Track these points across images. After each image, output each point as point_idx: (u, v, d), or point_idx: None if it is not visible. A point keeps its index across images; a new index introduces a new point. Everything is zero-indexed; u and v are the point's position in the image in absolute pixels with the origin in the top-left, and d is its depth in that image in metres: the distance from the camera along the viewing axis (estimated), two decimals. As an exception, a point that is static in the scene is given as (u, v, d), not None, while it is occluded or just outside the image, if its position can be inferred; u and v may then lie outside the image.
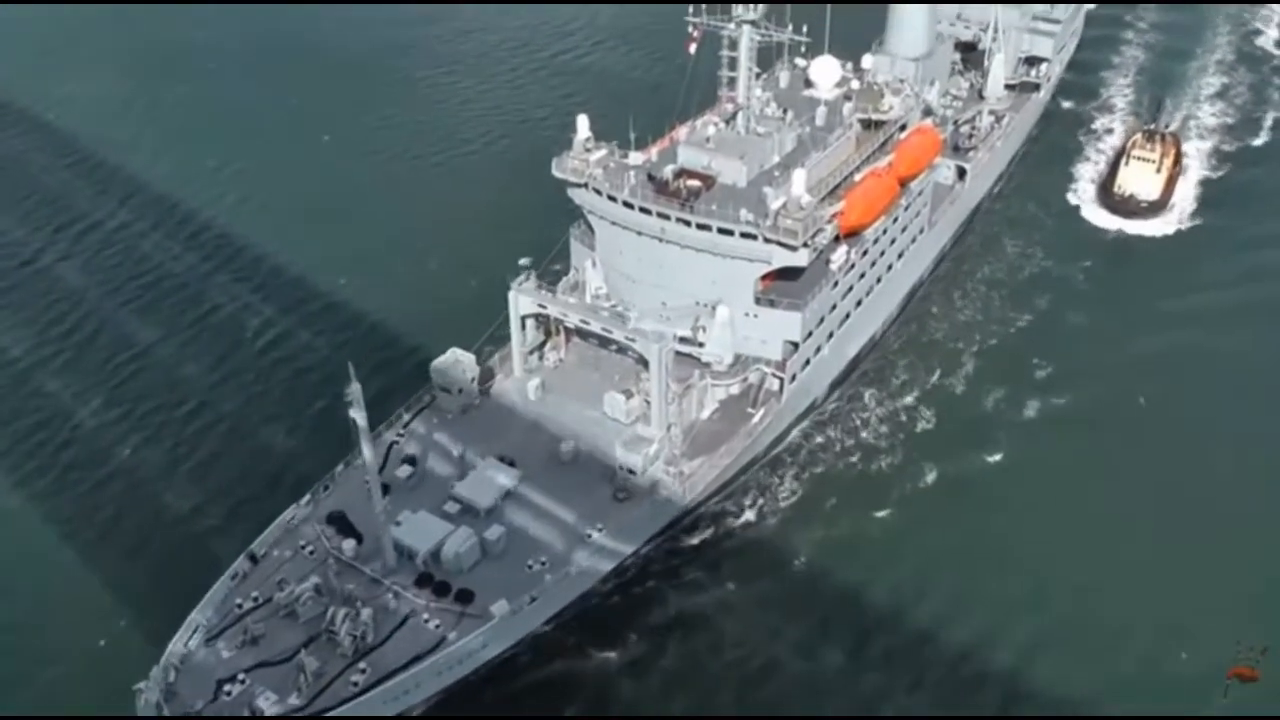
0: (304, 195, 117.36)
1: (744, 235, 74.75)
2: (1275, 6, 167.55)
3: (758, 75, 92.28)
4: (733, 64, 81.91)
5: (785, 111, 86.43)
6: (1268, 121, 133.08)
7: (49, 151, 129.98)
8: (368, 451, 60.44)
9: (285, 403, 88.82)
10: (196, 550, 74.53)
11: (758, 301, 77.89)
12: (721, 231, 75.25)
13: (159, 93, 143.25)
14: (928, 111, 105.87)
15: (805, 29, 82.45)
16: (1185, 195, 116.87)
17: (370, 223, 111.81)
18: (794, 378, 79.69)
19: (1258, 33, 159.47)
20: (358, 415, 58.27)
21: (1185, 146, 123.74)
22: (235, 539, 70.19)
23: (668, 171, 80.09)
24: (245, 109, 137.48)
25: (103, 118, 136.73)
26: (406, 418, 76.67)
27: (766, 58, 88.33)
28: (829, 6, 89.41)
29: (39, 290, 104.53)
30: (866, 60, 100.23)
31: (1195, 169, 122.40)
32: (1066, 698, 64.57)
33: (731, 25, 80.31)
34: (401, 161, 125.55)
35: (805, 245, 74.05)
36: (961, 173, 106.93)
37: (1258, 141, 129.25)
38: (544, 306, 76.10)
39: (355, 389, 57.12)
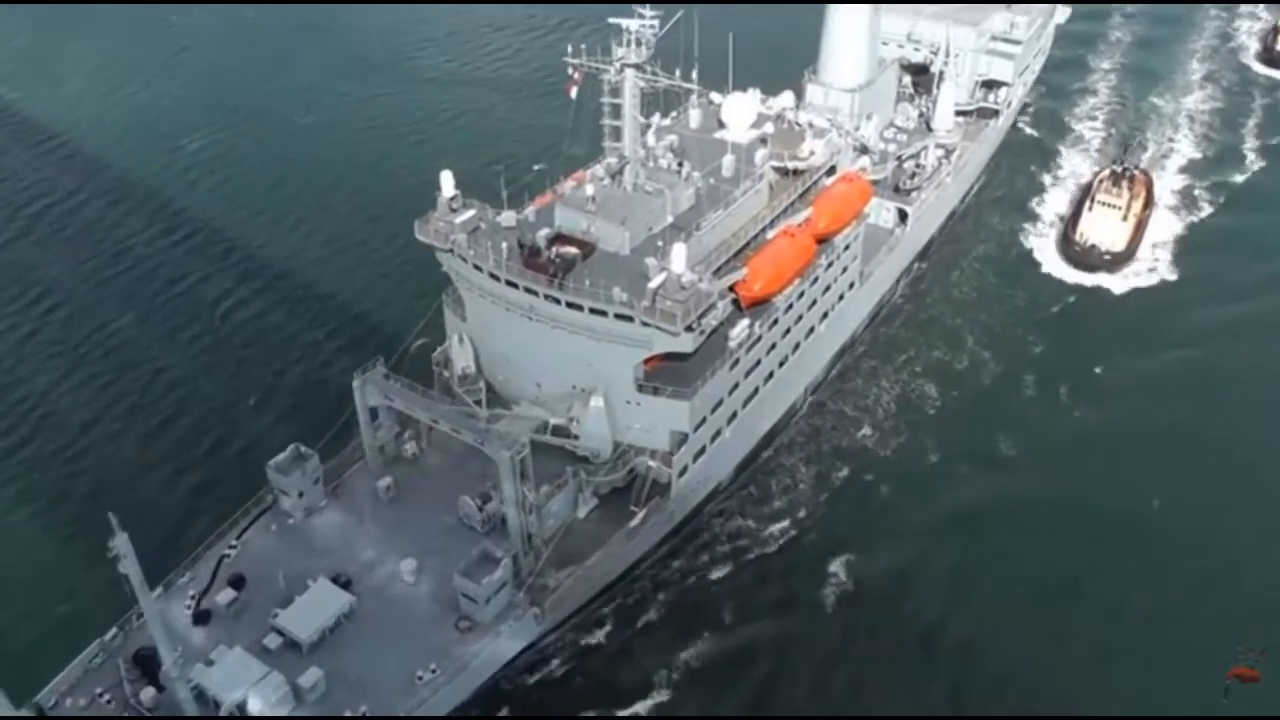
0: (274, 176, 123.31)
1: (619, 317, 67.09)
2: (1258, 15, 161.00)
3: (666, 114, 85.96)
4: (616, 111, 73.92)
5: (681, 164, 78.69)
6: (1250, 154, 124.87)
7: (26, 133, 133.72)
8: (148, 608, 52.60)
9: (248, 378, 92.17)
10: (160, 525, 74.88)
11: (640, 388, 70.19)
12: (594, 312, 67.60)
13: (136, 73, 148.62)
14: (864, 149, 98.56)
15: (694, 75, 74.41)
16: (1155, 243, 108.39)
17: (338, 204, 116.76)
18: (685, 470, 72.19)
19: (1240, 48, 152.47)
20: (129, 568, 50.22)
21: (1158, 185, 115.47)
22: (197, 516, 74.87)
23: (541, 237, 72.26)
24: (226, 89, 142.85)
25: (81, 99, 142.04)
26: (243, 524, 69.06)
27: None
28: (732, 41, 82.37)
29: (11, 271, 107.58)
30: (785, 97, 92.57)
31: (1168, 212, 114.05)
32: (1066, 697, 65.66)
33: (613, 69, 72.42)
34: (380, 141, 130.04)
35: (689, 329, 66.41)
36: (903, 215, 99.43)
37: (1239, 178, 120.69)
38: (390, 399, 68.36)
39: (121, 540, 49.08)
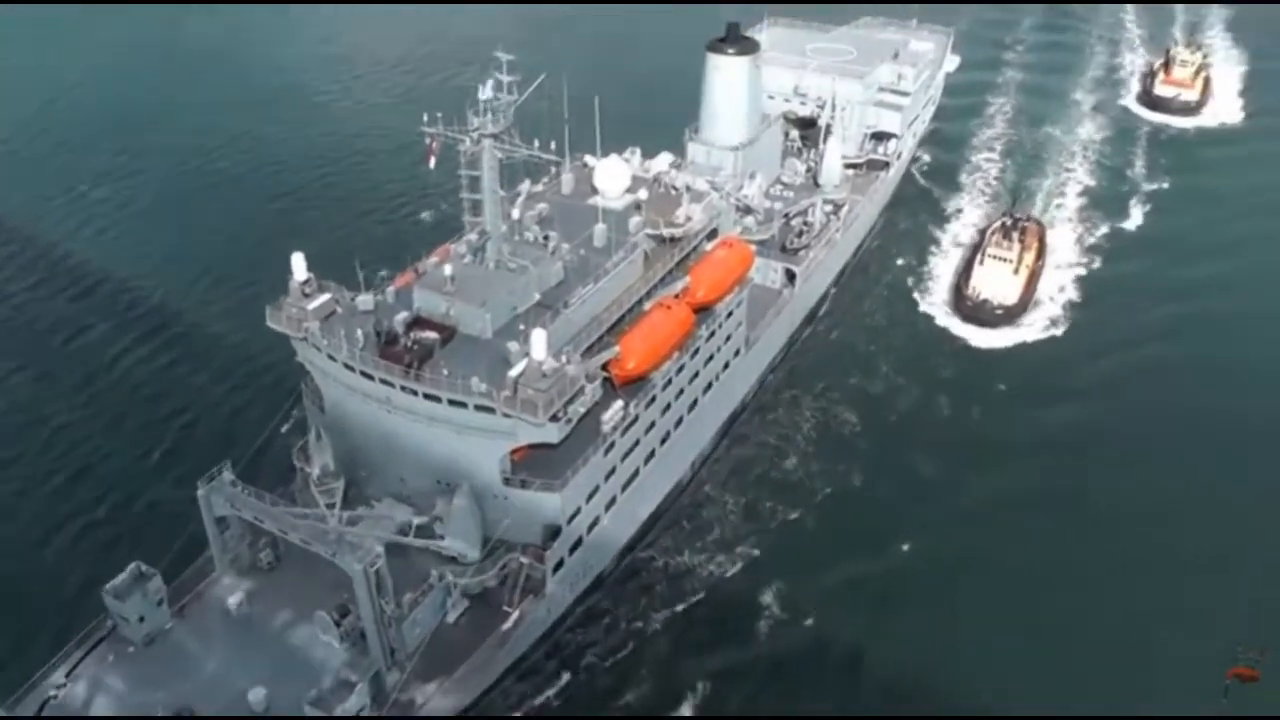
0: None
1: (479, 408, 63.00)
2: (1136, 47, 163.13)
3: (537, 180, 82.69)
4: (475, 184, 69.95)
5: (546, 238, 75.03)
6: (1139, 199, 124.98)
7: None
8: None
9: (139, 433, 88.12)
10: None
11: (507, 481, 66.08)
12: (453, 403, 63.48)
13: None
14: (748, 210, 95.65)
15: (555, 144, 70.76)
16: (1049, 294, 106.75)
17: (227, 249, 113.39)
18: (561, 564, 68.04)
19: (1122, 84, 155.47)
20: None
21: (1050, 235, 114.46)
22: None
23: (399, 321, 68.22)
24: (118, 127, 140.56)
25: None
26: (77, 656, 62.99)
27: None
28: (598, 104, 79.53)
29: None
30: (662, 159, 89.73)
31: (1062, 261, 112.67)
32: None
33: (469, 139, 68.52)
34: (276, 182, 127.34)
35: (554, 419, 62.48)
36: (791, 276, 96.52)
37: (1129, 224, 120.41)
38: (238, 509, 63.35)
39: None
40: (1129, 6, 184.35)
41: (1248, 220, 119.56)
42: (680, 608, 73.96)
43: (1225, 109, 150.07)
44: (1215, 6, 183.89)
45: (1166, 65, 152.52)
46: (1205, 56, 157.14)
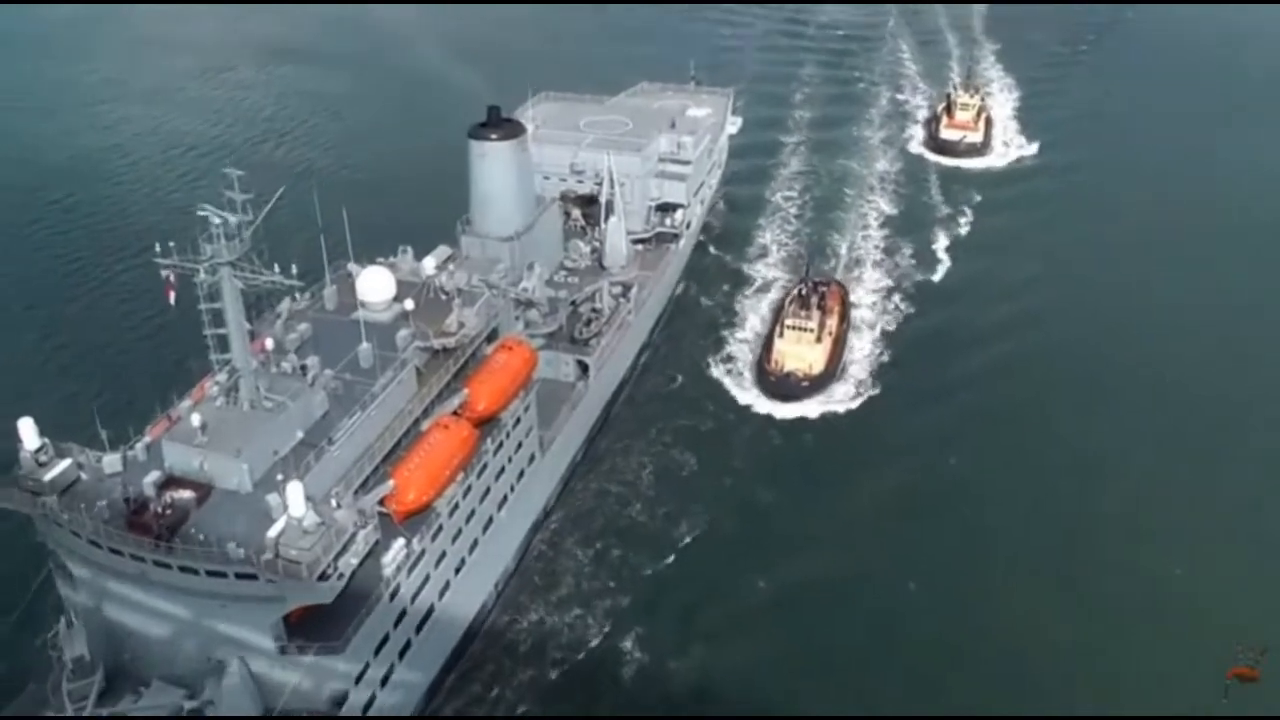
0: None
1: (240, 576, 58.35)
2: (921, 100, 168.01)
3: (300, 292, 78.00)
4: (218, 318, 65.18)
5: (304, 367, 70.65)
6: (940, 250, 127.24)
7: None
8: None
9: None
10: None
11: (283, 650, 61.41)
12: (211, 574, 58.63)
13: None
14: (529, 304, 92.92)
15: (296, 270, 66.59)
16: (858, 360, 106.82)
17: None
18: (353, 730, 63.77)
19: (908, 130, 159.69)
20: None
21: (854, 295, 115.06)
22: None
23: (149, 484, 62.90)
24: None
25: None
26: None
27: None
28: (346, 214, 76.38)
29: None
30: (430, 261, 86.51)
31: (868, 321, 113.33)
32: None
33: (203, 269, 63.70)
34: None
35: (324, 578, 58.29)
36: (584, 367, 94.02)
37: (935, 276, 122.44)
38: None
39: None
40: (904, 46, 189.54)
41: (1041, 257, 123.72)
42: (547, 671, 74.76)
43: (1009, 146, 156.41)
44: (987, 44, 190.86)
45: (949, 109, 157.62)
46: (983, 97, 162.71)
